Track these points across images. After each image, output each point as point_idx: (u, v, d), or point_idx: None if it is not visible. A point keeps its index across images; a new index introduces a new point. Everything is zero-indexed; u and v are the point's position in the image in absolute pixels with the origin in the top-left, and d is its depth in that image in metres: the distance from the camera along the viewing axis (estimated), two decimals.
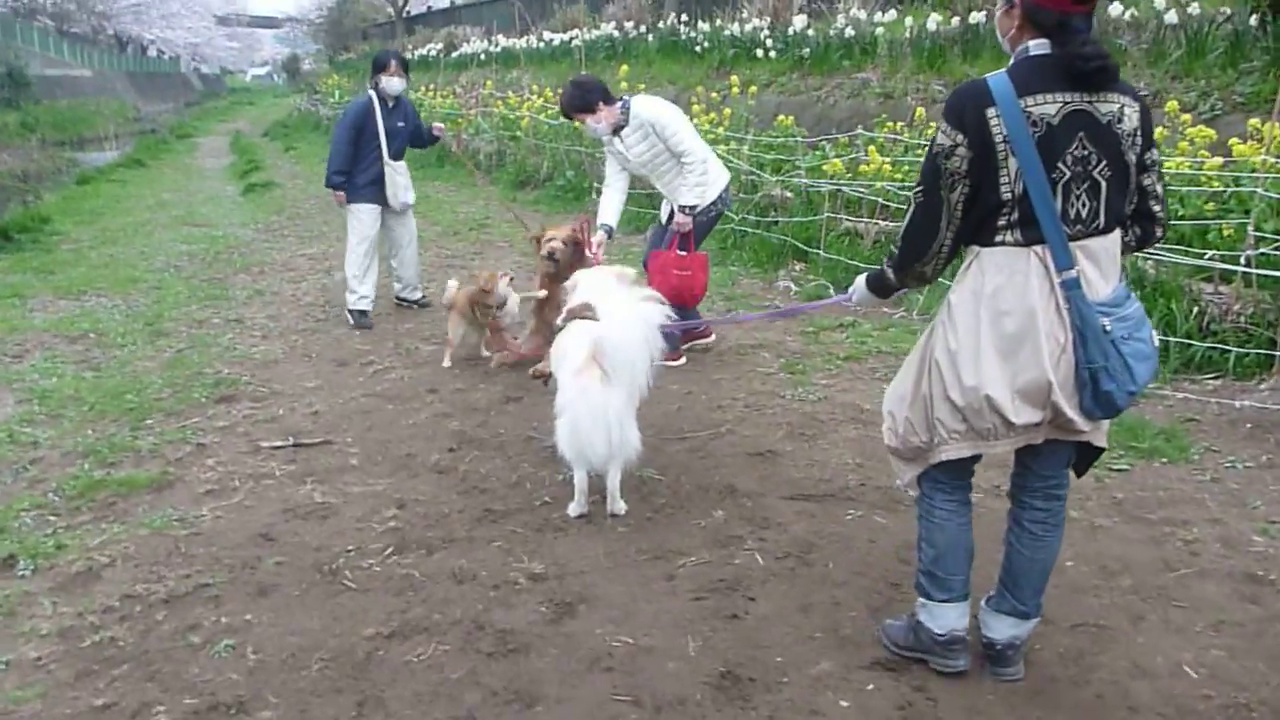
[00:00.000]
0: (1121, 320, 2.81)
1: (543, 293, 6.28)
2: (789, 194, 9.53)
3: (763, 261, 9.23)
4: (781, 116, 10.62)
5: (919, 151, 8.45)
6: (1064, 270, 2.76)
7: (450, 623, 3.62)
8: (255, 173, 18.60)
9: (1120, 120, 2.78)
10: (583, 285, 4.70)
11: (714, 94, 12.49)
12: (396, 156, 7.89)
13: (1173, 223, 5.94)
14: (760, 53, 14.20)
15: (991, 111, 2.73)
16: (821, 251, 8.59)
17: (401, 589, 3.88)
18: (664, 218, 6.56)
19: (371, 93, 7.83)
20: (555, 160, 14.45)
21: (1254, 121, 6.58)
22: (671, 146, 6.13)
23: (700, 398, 5.90)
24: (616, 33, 19.61)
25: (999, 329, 2.81)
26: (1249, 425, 5.20)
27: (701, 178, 6.16)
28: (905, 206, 7.94)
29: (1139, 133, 2.84)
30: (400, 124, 7.87)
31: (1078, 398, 2.84)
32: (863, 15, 13.32)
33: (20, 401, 6.09)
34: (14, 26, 41.76)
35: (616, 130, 6.23)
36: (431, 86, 23.22)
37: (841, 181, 8.71)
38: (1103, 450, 3.07)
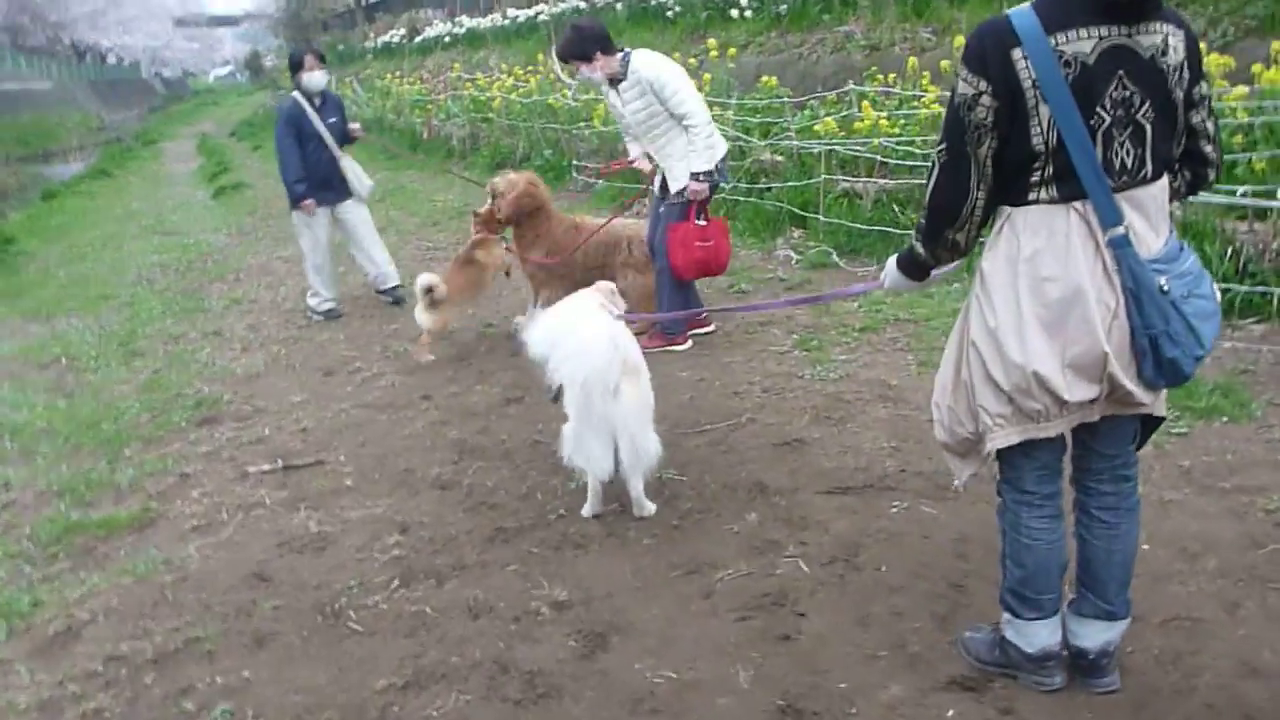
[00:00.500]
0: (1180, 277, 2.48)
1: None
2: (780, 158, 9.13)
3: (759, 230, 8.83)
4: (765, 77, 10.19)
5: (914, 104, 8.06)
6: (1111, 227, 2.43)
7: (470, 666, 3.26)
8: (224, 175, 18.11)
9: (1165, 53, 2.43)
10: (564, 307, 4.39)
11: (691, 59, 12.03)
12: (342, 148, 7.60)
13: None
14: (735, 13, 13.73)
15: (1017, 53, 2.38)
16: (821, 216, 8.21)
17: (413, 629, 3.51)
18: (656, 188, 6.15)
19: (295, 94, 7.44)
20: (531, 139, 14.02)
21: (1279, 44, 6.18)
22: (672, 108, 5.70)
23: (714, 384, 5.52)
24: (583, 3, 19.06)
25: (1041, 297, 2.48)
26: None
27: (709, 139, 5.74)
28: (909, 162, 7.75)
29: (1186, 65, 2.48)
30: (333, 119, 7.58)
31: (1135, 367, 2.51)
32: None
33: None
34: None
35: (615, 83, 5.83)
36: (398, 74, 22.68)
37: (835, 141, 8.31)
38: (1162, 420, 2.75)
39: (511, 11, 21.86)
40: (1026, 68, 2.38)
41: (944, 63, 8.29)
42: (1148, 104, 2.43)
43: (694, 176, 5.72)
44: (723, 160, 5.93)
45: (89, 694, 3.29)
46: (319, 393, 6.12)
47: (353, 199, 7.76)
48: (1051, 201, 2.47)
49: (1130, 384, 2.52)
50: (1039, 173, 2.46)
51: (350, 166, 7.62)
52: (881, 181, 8.02)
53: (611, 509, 4.20)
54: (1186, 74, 2.49)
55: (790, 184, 8.72)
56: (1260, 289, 5.47)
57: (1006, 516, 2.82)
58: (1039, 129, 2.41)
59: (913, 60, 8.58)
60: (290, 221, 7.90)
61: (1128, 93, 2.41)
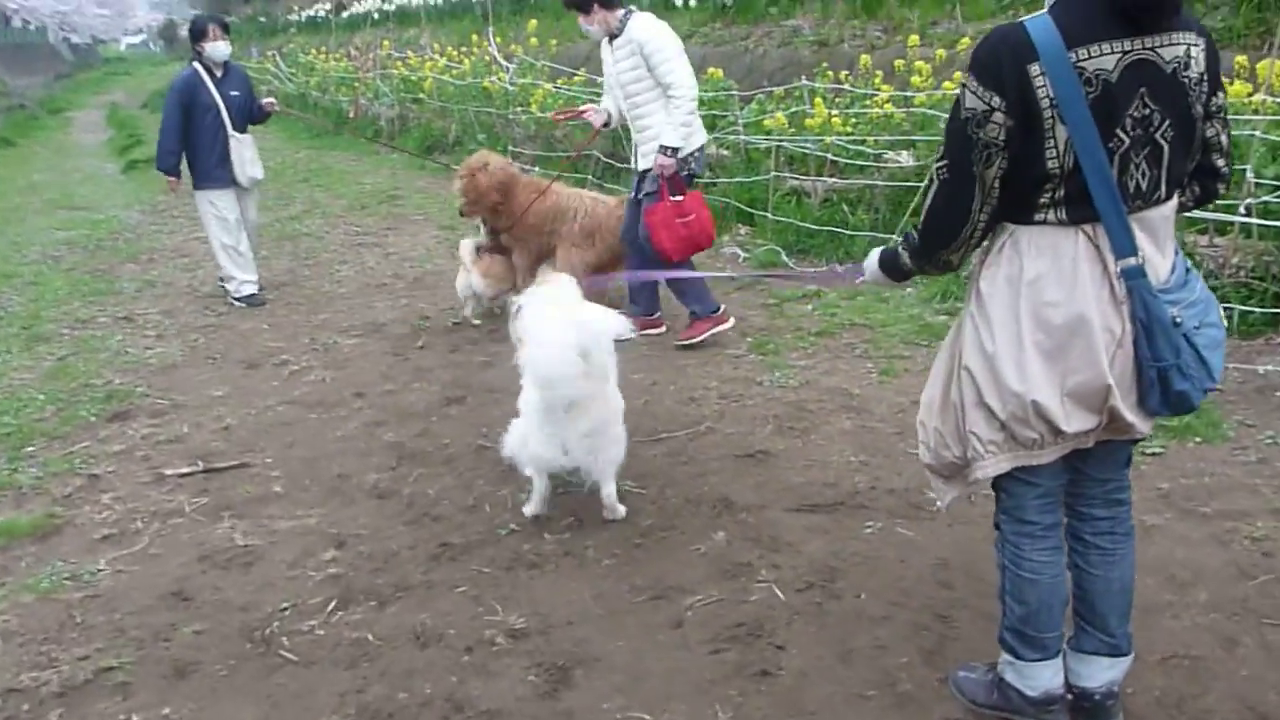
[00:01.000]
0: (1190, 306, 2.32)
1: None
2: (726, 152, 8.91)
3: None
4: (710, 69, 9.94)
5: (867, 102, 7.89)
6: (1124, 256, 2.25)
7: (420, 704, 2.96)
8: (136, 148, 17.24)
9: (1187, 66, 2.24)
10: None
11: None
12: (240, 129, 7.17)
13: None
14: (679, 1, 13.45)
15: (1035, 68, 2.17)
16: (769, 214, 7.99)
17: (354, 659, 3.19)
18: (637, 173, 5.84)
19: (195, 64, 7.03)
20: (465, 123, 13.59)
21: (1241, 59, 6.12)
22: (659, 76, 5.41)
23: (668, 388, 5.26)
24: None
25: (1043, 323, 2.30)
26: (1278, 393, 4.76)
27: (688, 117, 5.43)
28: (860, 162, 7.58)
29: (1205, 78, 2.29)
30: (235, 93, 7.16)
31: (1136, 397, 2.34)
32: None
33: None
34: None
35: (612, 37, 5.58)
36: (322, 49, 21.96)
37: (785, 137, 8.10)
38: (1144, 437, 2.54)
39: None
40: (1045, 85, 2.18)
41: (898, 62, 8.14)
42: (1167, 122, 2.24)
43: (663, 150, 5.43)
44: (699, 151, 5.67)
45: None
46: (242, 387, 5.72)
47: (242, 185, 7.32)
48: (1060, 223, 2.28)
49: (1131, 416, 2.35)
50: (1049, 194, 2.27)
51: (240, 149, 7.15)
52: (831, 180, 7.83)
53: (567, 522, 3.93)
54: (1206, 86, 2.31)
55: (737, 179, 8.49)
56: (1224, 306, 5.38)
57: (1006, 550, 2.62)
58: (1054, 151, 2.22)
59: (866, 58, 8.40)
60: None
61: (1148, 111, 2.22)
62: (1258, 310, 5.30)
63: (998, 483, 2.53)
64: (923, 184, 6.94)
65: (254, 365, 6.10)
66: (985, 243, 2.48)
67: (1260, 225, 5.39)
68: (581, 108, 6.45)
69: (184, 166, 7.17)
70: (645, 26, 5.45)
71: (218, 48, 7.07)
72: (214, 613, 3.49)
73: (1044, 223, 2.30)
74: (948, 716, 2.77)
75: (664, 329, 6.15)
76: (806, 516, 3.86)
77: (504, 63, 12.99)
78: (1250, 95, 5.79)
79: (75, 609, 3.56)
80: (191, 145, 7.06)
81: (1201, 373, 2.32)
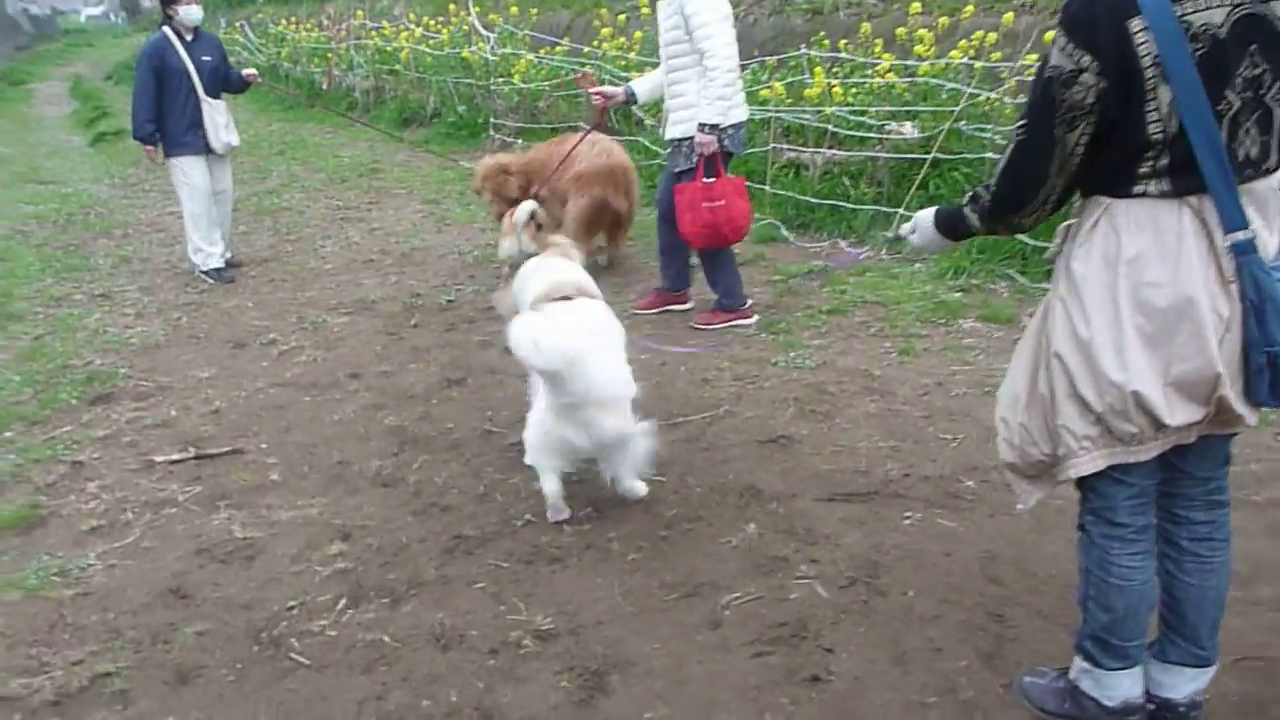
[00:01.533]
0: None
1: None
2: None
3: None
4: None
5: (868, 72, 7.67)
6: (1234, 229, 2.06)
7: (446, 713, 2.75)
8: (103, 120, 16.80)
9: None
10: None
11: (619, 16, 11.46)
12: (212, 94, 6.93)
13: None
14: None
15: (1136, 23, 1.99)
16: (767, 187, 7.77)
17: (370, 662, 2.98)
18: (668, 142, 5.55)
19: (165, 29, 6.77)
20: (443, 95, 13.26)
21: None
22: (695, 41, 5.01)
23: (679, 369, 5.04)
24: None
25: (1145, 306, 2.12)
26: None
27: (725, 89, 5.02)
28: (860, 133, 7.35)
29: None
30: (206, 58, 6.91)
31: (1243, 384, 2.16)
32: None
33: None
34: None
35: None
36: (293, 19, 21.43)
37: (782, 108, 7.87)
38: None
39: None
40: (1147, 41, 1.99)
41: (899, 30, 7.91)
42: (1278, 83, 2.05)
43: (701, 128, 5.08)
44: (739, 126, 5.30)
45: None
46: (229, 368, 5.47)
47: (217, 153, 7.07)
48: (1162, 195, 2.10)
49: (1240, 406, 2.16)
50: (1150, 163, 2.08)
51: (213, 114, 6.90)
52: (831, 152, 7.62)
53: (585, 512, 3.72)
54: None
55: None
56: None
57: (1092, 554, 2.43)
58: (1157, 115, 2.03)
59: (865, 26, 8.16)
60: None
61: (1258, 70, 2.03)
62: None
63: (1085, 481, 2.34)
64: (928, 156, 6.76)
65: (241, 345, 5.84)
66: (1075, 219, 2.29)
67: None
68: (596, 87, 6.11)
69: None
70: None
71: (190, 11, 6.81)
72: (216, 611, 3.27)
73: (1144, 195, 2.11)
74: None
75: (690, 305, 5.91)
76: (840, 506, 3.67)
77: (484, 32, 12.63)
78: None
79: (66, 608, 3.34)
80: (162, 111, 6.79)
81: None
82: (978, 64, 6.90)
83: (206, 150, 6.96)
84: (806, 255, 6.88)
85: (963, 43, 7.23)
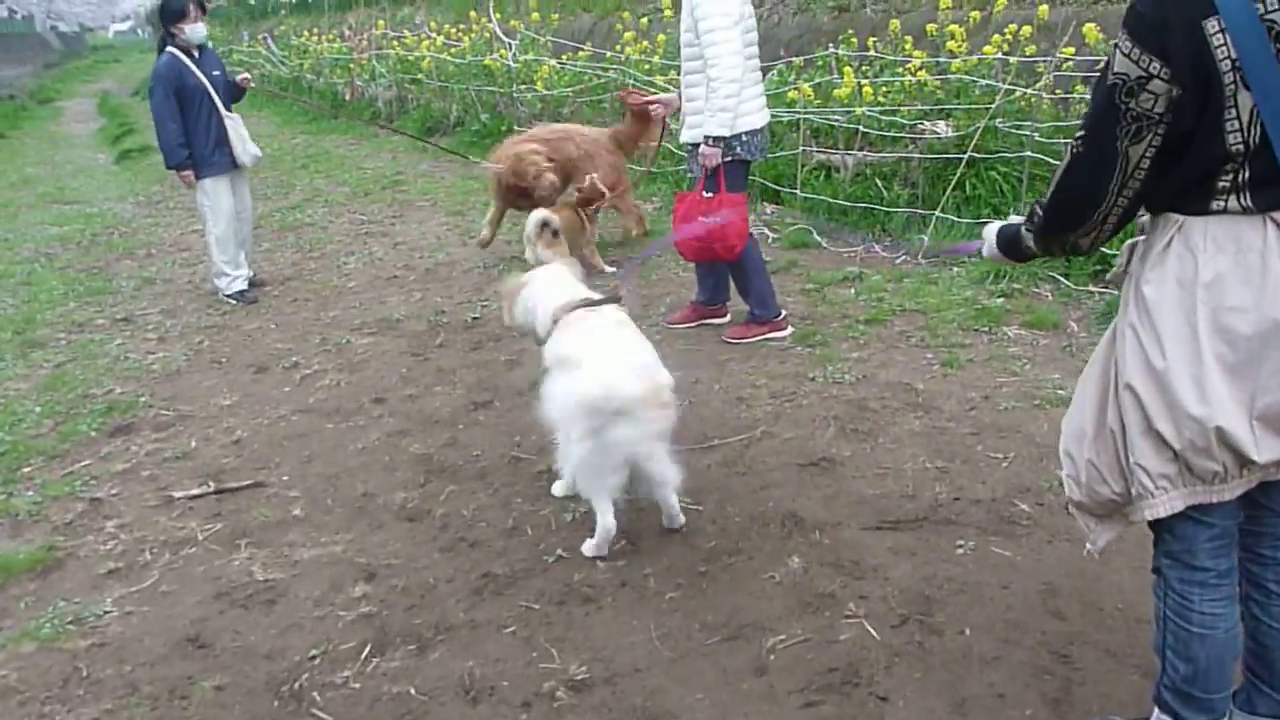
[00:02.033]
0: None
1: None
2: None
3: None
4: None
5: (898, 70, 7.46)
6: None
7: None
8: (129, 136, 16.83)
9: None
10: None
11: (642, 20, 11.30)
12: (228, 108, 6.81)
13: None
14: None
15: (1212, 24, 1.82)
16: (798, 191, 7.58)
17: (396, 717, 2.82)
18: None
19: (171, 49, 6.62)
20: (465, 103, 13.13)
21: None
22: (702, 45, 4.81)
23: (713, 387, 4.85)
24: None
25: (1226, 333, 1.94)
26: None
27: (728, 100, 4.77)
28: (891, 134, 7.18)
29: None
30: (216, 72, 6.80)
31: None
32: None
33: None
34: None
35: None
36: (314, 30, 21.42)
37: (811, 110, 7.67)
38: None
39: None
40: (1225, 44, 1.82)
41: (929, 26, 7.69)
42: None
43: (705, 140, 4.90)
44: (754, 133, 5.07)
45: None
46: (251, 394, 5.34)
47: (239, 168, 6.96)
48: (1243, 212, 1.92)
49: None
50: (1230, 177, 1.90)
51: (236, 128, 6.80)
52: (862, 154, 7.41)
53: (619, 546, 3.54)
54: None
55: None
56: None
57: (1169, 600, 2.23)
58: (1236, 124, 1.86)
59: (895, 22, 7.95)
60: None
61: None
62: None
63: (1161, 522, 2.14)
64: (963, 156, 6.54)
65: (263, 369, 5.71)
66: (1142, 237, 2.10)
67: None
68: (652, 96, 5.93)
69: None
70: None
71: (197, 29, 6.67)
72: (235, 662, 3.12)
73: (1223, 211, 1.93)
74: None
75: (727, 318, 5.69)
76: (888, 535, 3.48)
77: (506, 39, 12.50)
78: None
79: (81, 659, 3.20)
80: (186, 132, 6.65)
81: None
82: (1012, 59, 6.67)
83: (232, 166, 6.85)
84: (840, 261, 6.66)
85: (996, 37, 7.00)
